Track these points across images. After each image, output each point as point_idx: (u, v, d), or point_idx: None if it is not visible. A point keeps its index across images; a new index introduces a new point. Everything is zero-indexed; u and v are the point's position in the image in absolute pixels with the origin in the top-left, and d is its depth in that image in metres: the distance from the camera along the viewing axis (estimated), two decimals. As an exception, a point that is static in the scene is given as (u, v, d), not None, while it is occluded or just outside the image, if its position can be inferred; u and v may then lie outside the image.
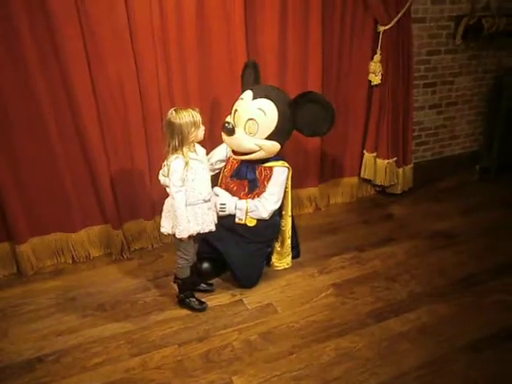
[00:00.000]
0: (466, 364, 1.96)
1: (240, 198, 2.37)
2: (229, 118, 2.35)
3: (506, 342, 2.08)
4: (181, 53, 2.55)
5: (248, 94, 2.29)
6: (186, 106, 2.16)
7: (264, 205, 2.35)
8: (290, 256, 2.63)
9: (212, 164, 2.49)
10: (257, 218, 2.36)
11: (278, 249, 2.62)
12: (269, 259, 2.63)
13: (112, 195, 2.65)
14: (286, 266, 2.63)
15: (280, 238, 2.60)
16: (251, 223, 2.36)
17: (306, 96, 2.28)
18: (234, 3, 2.55)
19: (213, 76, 2.70)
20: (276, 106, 2.24)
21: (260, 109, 2.23)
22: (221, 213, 2.32)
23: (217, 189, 2.39)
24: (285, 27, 2.77)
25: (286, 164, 2.42)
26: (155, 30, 2.43)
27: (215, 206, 2.30)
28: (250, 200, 2.36)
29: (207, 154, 2.30)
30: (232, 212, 2.34)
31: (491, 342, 2.07)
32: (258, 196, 2.37)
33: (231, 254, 2.36)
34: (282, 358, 2.01)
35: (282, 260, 2.62)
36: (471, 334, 2.12)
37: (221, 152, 2.54)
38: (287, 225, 2.54)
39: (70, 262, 2.74)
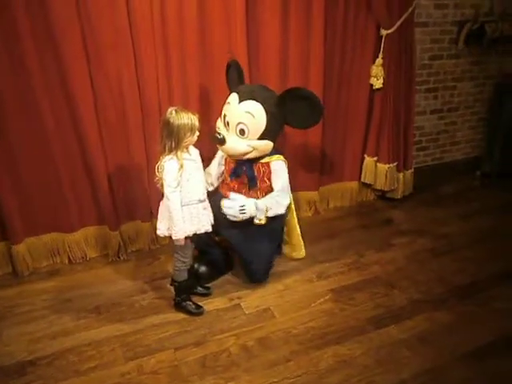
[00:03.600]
0: (466, 372, 1.94)
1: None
2: (219, 122, 2.33)
3: (506, 350, 2.06)
4: (181, 50, 2.52)
5: (234, 97, 2.27)
6: (185, 103, 2.11)
7: (278, 201, 2.34)
8: (303, 246, 2.68)
9: (215, 180, 2.53)
10: (274, 215, 2.34)
11: (287, 239, 2.68)
12: (279, 249, 2.70)
13: (109, 196, 2.62)
14: (300, 257, 2.70)
15: (285, 229, 2.65)
16: (261, 221, 2.33)
17: (292, 92, 2.25)
18: (236, 1, 2.52)
19: (213, 73, 2.66)
20: (263, 106, 2.21)
21: (247, 112, 2.21)
22: (241, 215, 2.25)
23: (232, 194, 2.32)
24: (287, 28, 2.75)
25: (282, 157, 2.40)
26: (155, 26, 2.40)
27: (236, 211, 2.23)
28: (266, 198, 2.34)
29: (205, 157, 2.27)
30: (253, 214, 2.28)
31: (491, 350, 2.05)
32: (262, 193, 2.37)
33: (243, 247, 2.38)
34: (280, 364, 1.98)
35: (294, 252, 2.70)
36: (471, 342, 2.10)
37: (216, 164, 2.53)
38: (291, 214, 2.57)
39: (66, 262, 2.71)
